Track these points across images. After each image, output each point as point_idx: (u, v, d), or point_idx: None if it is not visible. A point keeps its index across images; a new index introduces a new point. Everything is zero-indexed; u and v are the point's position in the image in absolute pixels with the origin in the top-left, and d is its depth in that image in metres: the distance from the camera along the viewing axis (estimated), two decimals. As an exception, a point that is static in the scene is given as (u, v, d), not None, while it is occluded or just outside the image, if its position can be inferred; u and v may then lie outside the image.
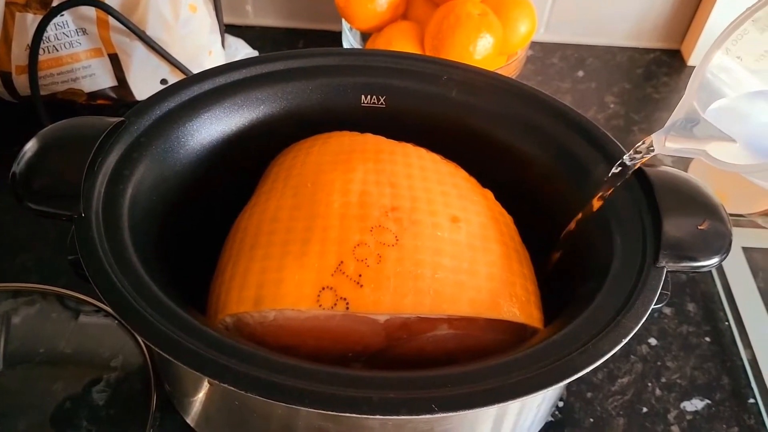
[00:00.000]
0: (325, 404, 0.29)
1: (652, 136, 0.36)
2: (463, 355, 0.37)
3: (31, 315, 0.50)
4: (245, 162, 0.44)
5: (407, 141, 0.44)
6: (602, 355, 0.32)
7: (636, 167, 0.38)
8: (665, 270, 0.35)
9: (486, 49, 0.58)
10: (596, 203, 0.39)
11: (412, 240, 0.37)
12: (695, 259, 0.36)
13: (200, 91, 0.43)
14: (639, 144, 0.37)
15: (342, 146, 0.42)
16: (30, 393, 0.45)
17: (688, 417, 0.48)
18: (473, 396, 0.30)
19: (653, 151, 0.36)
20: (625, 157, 0.38)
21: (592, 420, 0.47)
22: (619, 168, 0.38)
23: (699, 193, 0.38)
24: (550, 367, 0.31)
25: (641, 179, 0.39)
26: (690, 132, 0.35)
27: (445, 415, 0.29)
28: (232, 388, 0.29)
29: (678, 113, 0.35)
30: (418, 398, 0.29)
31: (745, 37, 0.34)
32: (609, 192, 0.39)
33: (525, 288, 0.38)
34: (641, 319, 0.33)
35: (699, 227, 0.37)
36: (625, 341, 0.32)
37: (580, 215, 0.40)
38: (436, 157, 0.43)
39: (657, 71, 0.78)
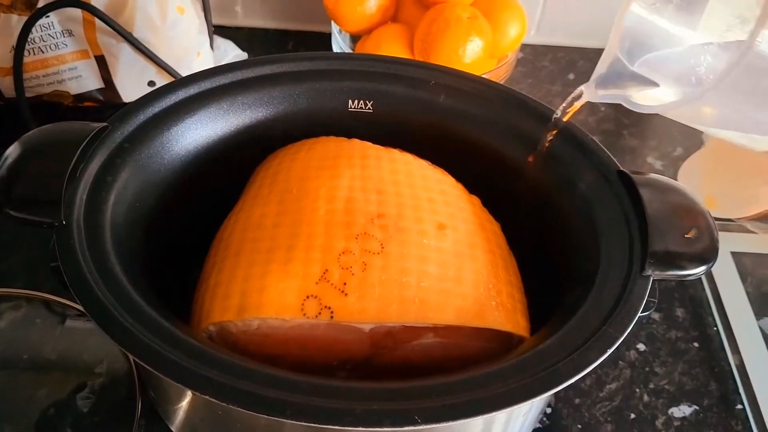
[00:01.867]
0: (307, 416, 0.29)
1: (582, 86, 0.38)
2: (449, 364, 0.37)
3: (16, 320, 0.49)
4: (231, 168, 0.44)
5: (394, 146, 0.44)
6: (588, 365, 0.32)
7: (566, 119, 0.40)
8: (651, 278, 0.35)
9: (475, 52, 0.58)
10: (531, 158, 0.42)
11: (397, 247, 0.36)
12: (682, 268, 0.36)
13: (185, 96, 0.43)
14: (571, 96, 0.39)
15: (328, 152, 0.42)
16: (14, 399, 0.45)
17: (676, 423, 0.48)
18: (458, 407, 0.29)
19: (582, 98, 0.39)
20: (558, 109, 0.40)
21: (580, 426, 0.47)
22: (554, 120, 0.40)
23: (686, 201, 0.38)
24: (536, 377, 0.31)
25: (628, 187, 0.39)
26: (618, 80, 0.37)
27: (429, 426, 0.29)
28: (213, 400, 0.29)
29: (603, 64, 0.37)
30: (402, 410, 0.29)
31: None
32: (544, 147, 0.41)
33: (511, 296, 0.38)
34: (627, 328, 0.33)
35: (686, 235, 0.36)
36: (610, 351, 0.32)
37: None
38: (423, 163, 0.43)
39: (647, 74, 0.78)
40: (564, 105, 0.40)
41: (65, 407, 0.45)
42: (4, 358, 0.47)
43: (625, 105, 0.37)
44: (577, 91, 0.39)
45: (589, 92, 0.38)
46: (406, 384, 0.31)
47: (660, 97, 0.36)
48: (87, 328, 0.49)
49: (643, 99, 0.36)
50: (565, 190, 0.42)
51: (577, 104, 0.39)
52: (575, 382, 0.48)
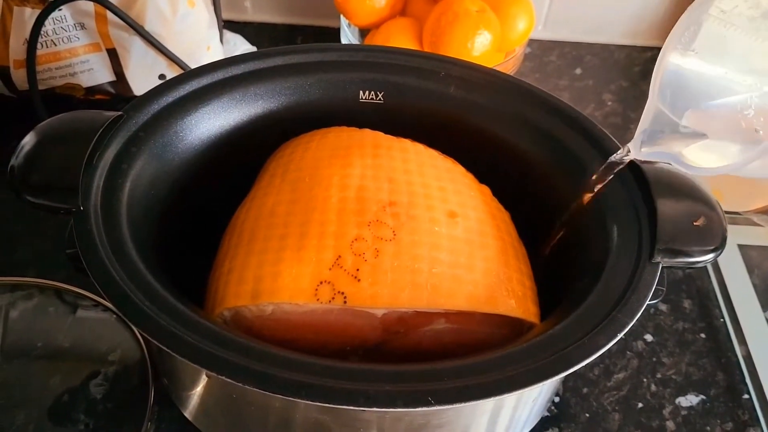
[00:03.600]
0: (321, 397, 0.29)
1: (628, 144, 0.36)
2: (460, 349, 0.37)
3: (29, 309, 0.50)
4: (243, 157, 0.44)
5: (405, 137, 0.44)
6: (597, 350, 0.32)
7: (619, 170, 0.38)
8: (660, 265, 0.36)
9: (484, 45, 0.58)
10: (586, 197, 0.40)
11: (409, 235, 0.37)
12: (690, 255, 0.36)
13: (198, 86, 0.43)
14: (617, 153, 0.37)
15: (340, 141, 0.42)
16: (28, 387, 0.45)
17: (683, 412, 0.48)
18: (470, 389, 0.30)
19: (628, 157, 0.37)
20: (611, 158, 0.38)
21: (588, 415, 0.47)
22: (605, 168, 0.38)
23: (695, 190, 0.38)
24: (546, 360, 0.31)
25: (637, 175, 0.40)
26: (664, 135, 0.35)
27: (441, 408, 0.29)
28: (229, 380, 0.29)
29: (645, 119, 0.35)
30: (415, 391, 0.30)
31: (695, 33, 0.34)
32: (598, 189, 0.39)
33: (522, 283, 0.39)
34: (636, 314, 0.34)
35: (694, 223, 0.37)
36: (620, 336, 0.33)
37: (572, 210, 0.41)
38: (433, 153, 0.43)
39: (654, 69, 0.78)
40: (614, 158, 0.37)
41: (79, 394, 0.45)
42: (17, 347, 0.47)
43: (676, 165, 0.35)
44: (622, 150, 0.37)
45: (635, 150, 0.36)
46: (418, 366, 0.32)
47: (715, 158, 0.33)
48: (100, 317, 0.49)
49: (697, 159, 0.34)
50: (574, 179, 0.42)
51: (625, 161, 0.37)
52: (583, 371, 0.49)
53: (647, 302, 0.34)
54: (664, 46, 0.35)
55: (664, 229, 0.36)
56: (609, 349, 0.32)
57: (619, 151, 0.37)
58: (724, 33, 0.33)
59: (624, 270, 0.36)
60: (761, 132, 0.32)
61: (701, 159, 0.34)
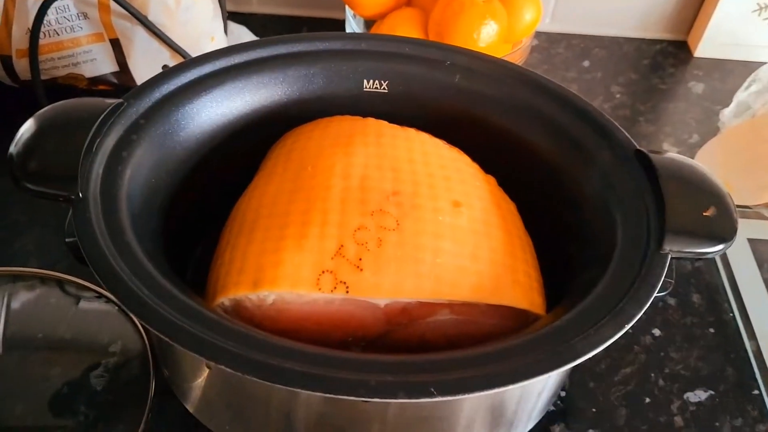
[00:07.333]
0: (322, 387, 0.29)
1: None
2: (463, 341, 0.37)
3: (30, 300, 0.49)
4: (245, 146, 0.44)
5: (410, 126, 0.44)
6: (604, 341, 0.31)
7: None
8: (669, 256, 0.35)
9: (490, 36, 0.58)
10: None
11: (413, 224, 0.36)
12: (700, 245, 0.35)
13: (200, 74, 0.43)
14: None
15: (343, 130, 0.42)
16: (28, 378, 0.45)
17: (692, 408, 0.47)
18: (473, 380, 0.29)
19: None
20: None
21: (594, 410, 0.47)
22: None
23: (705, 180, 0.38)
24: (552, 352, 0.31)
25: (645, 165, 0.39)
26: None
27: (443, 399, 0.29)
28: (230, 370, 0.29)
29: None
30: (417, 382, 0.29)
31: None
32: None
33: (527, 274, 0.38)
34: (644, 305, 0.33)
35: (704, 213, 0.36)
36: (627, 327, 0.32)
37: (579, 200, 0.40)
38: (438, 142, 0.43)
39: (663, 62, 0.77)
40: None
41: (79, 386, 0.45)
42: (18, 338, 0.47)
43: None
44: None
45: None
46: (421, 357, 0.31)
47: None
48: (101, 308, 0.49)
49: None
50: (582, 169, 0.41)
51: None
52: (590, 365, 0.48)
53: (656, 293, 0.33)
54: None
55: (673, 218, 0.36)
56: (616, 342, 0.32)
57: None
58: None
59: (632, 260, 0.35)
60: None
61: None
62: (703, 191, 0.37)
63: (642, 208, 0.37)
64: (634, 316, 0.32)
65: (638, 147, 0.40)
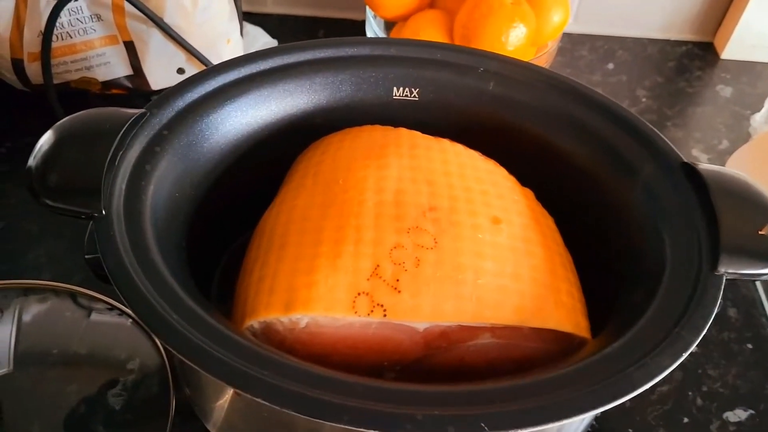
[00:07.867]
0: (366, 422, 0.27)
1: None
2: (504, 365, 0.35)
3: (43, 313, 0.48)
4: (271, 156, 0.42)
5: (442, 136, 0.42)
6: (661, 371, 0.29)
7: None
8: (724, 278, 0.33)
9: (519, 39, 0.56)
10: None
11: (451, 242, 0.34)
12: (758, 267, 0.33)
13: (224, 82, 0.41)
14: None
15: (374, 141, 0.40)
16: (43, 395, 0.43)
17: (732, 428, 0.46)
18: (527, 414, 0.27)
19: None
20: None
21: (631, 430, 0.45)
22: None
23: (759, 196, 0.36)
24: (607, 382, 0.29)
25: (693, 179, 0.37)
26: None
27: (494, 434, 0.27)
28: (266, 403, 0.27)
29: None
30: (466, 415, 0.27)
31: None
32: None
33: (570, 294, 0.36)
34: (702, 331, 0.31)
35: (760, 232, 0.34)
36: (684, 355, 0.30)
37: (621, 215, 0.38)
38: (474, 154, 0.41)
39: (689, 65, 0.75)
40: None
41: (96, 404, 0.43)
42: (32, 352, 0.45)
43: None
44: None
45: None
46: (468, 387, 0.29)
47: None
48: (116, 321, 0.47)
49: None
50: (625, 182, 0.39)
51: None
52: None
53: (712, 318, 0.32)
54: None
55: (727, 237, 0.34)
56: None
57: None
58: None
59: (683, 282, 0.33)
60: None
61: None
62: (758, 208, 0.35)
63: (692, 225, 0.35)
64: (691, 342, 0.31)
65: (684, 159, 0.38)
